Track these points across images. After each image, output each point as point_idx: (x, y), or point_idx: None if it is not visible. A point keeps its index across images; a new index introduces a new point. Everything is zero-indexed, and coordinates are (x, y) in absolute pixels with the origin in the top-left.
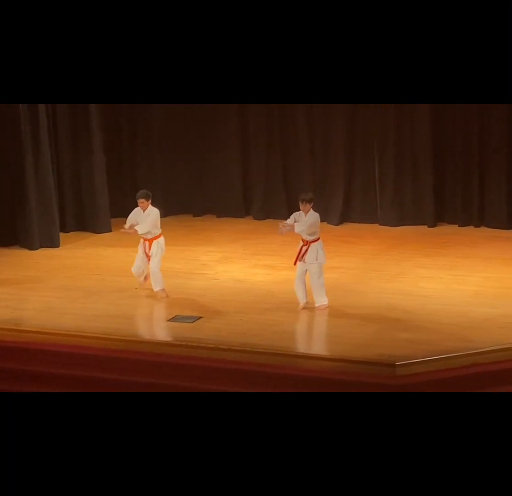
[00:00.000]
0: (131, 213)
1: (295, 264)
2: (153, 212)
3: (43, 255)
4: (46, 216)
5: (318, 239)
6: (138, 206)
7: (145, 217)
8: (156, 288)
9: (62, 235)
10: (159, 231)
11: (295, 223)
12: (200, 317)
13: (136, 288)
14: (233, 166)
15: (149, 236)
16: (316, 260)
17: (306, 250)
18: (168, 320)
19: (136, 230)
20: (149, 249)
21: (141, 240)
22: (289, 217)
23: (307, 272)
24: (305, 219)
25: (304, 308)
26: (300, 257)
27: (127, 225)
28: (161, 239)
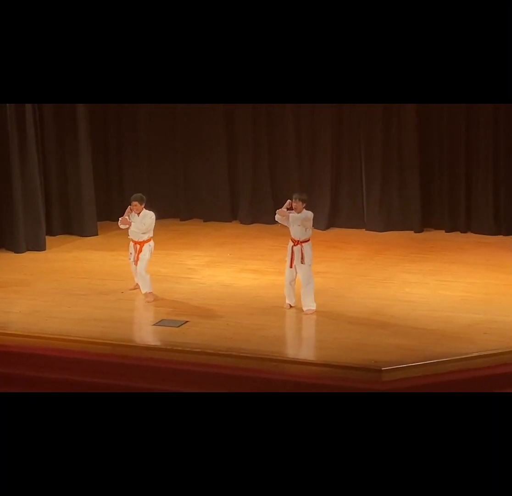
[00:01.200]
0: (125, 214)
1: (291, 266)
2: (149, 215)
3: (29, 258)
4: (33, 219)
5: (308, 240)
6: (127, 208)
7: (141, 219)
8: (144, 290)
9: (48, 238)
10: (151, 234)
11: (290, 214)
12: (186, 321)
13: (122, 292)
14: (220, 170)
15: (141, 239)
16: (304, 262)
17: (300, 250)
18: (154, 324)
19: (131, 224)
20: (140, 252)
21: (131, 243)
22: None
23: (297, 274)
24: (300, 214)
25: (290, 308)
26: (293, 258)
27: (125, 216)
28: (152, 243)
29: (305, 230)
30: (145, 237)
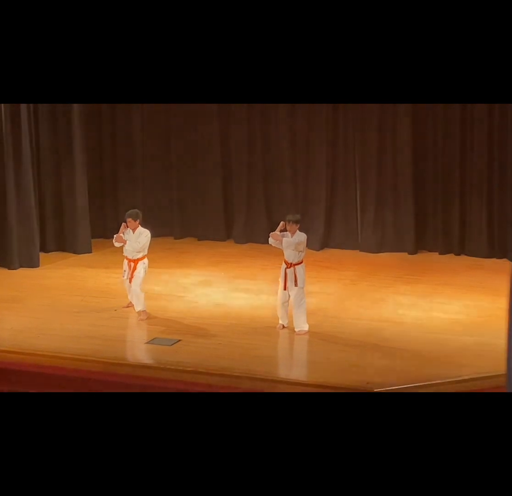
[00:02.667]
0: (120, 231)
1: (285, 289)
2: (145, 234)
3: (22, 274)
4: (26, 236)
5: (301, 262)
6: (122, 225)
7: (136, 237)
8: (138, 308)
9: (42, 255)
10: (146, 252)
11: (284, 238)
12: (179, 340)
13: (115, 310)
14: (214, 189)
15: (135, 257)
16: (297, 285)
17: (293, 273)
18: (147, 342)
19: (125, 242)
20: (134, 270)
21: (125, 261)
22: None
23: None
24: (293, 238)
25: (283, 328)
26: (287, 280)
27: (120, 234)
28: (146, 260)
29: (298, 253)
30: (139, 255)
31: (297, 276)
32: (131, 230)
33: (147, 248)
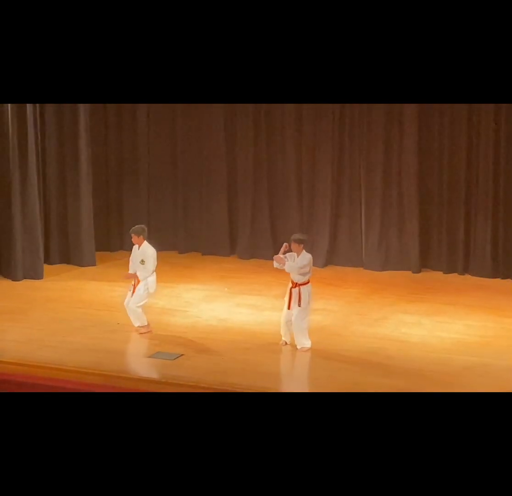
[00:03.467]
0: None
1: (289, 308)
2: (148, 253)
3: (26, 286)
4: (31, 248)
5: (307, 282)
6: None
7: (139, 256)
8: (135, 324)
9: (46, 267)
10: (148, 274)
11: (287, 262)
12: (181, 355)
13: (118, 323)
14: (219, 205)
15: (141, 277)
16: (301, 305)
17: (297, 293)
18: (149, 356)
19: (137, 276)
20: (136, 286)
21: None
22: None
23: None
24: (297, 260)
25: (286, 345)
26: (291, 300)
27: (130, 271)
28: (151, 277)
29: (304, 275)
30: (142, 276)
31: (301, 296)
32: (137, 246)
33: (152, 267)
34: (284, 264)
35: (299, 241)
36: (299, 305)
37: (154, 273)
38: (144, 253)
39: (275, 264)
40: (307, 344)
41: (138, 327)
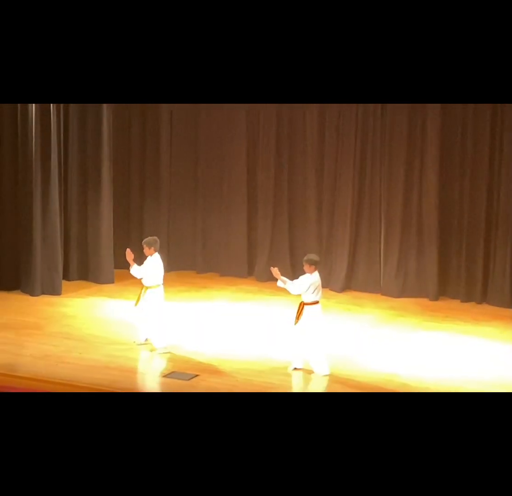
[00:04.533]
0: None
1: (295, 324)
2: (148, 260)
3: (44, 301)
4: (50, 263)
5: (313, 303)
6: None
7: (145, 264)
8: (157, 345)
9: (64, 283)
10: (154, 282)
11: (287, 284)
12: (197, 375)
13: (134, 341)
14: (239, 226)
15: (146, 284)
16: (309, 326)
17: (301, 311)
18: (164, 376)
19: (130, 266)
20: (146, 296)
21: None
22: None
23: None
24: (297, 280)
25: (295, 370)
26: (297, 317)
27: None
28: (157, 290)
29: (311, 294)
30: (148, 283)
31: (304, 316)
32: (149, 257)
33: (152, 275)
34: (284, 283)
35: (307, 262)
36: (307, 326)
37: (160, 287)
38: (148, 261)
39: (279, 283)
40: (323, 371)
41: (159, 348)
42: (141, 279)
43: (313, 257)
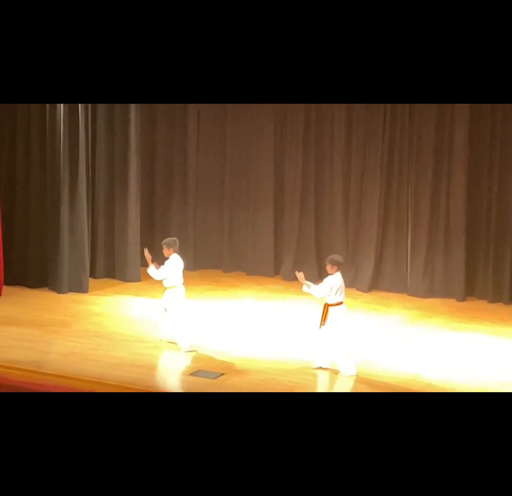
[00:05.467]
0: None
1: (320, 327)
2: (167, 261)
3: (71, 299)
4: (77, 261)
5: (337, 304)
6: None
7: (165, 264)
8: (182, 346)
9: (91, 281)
10: (172, 282)
11: (311, 288)
12: (222, 374)
13: (160, 339)
14: (266, 226)
15: (165, 285)
16: (332, 326)
17: (326, 313)
18: (190, 374)
19: (149, 265)
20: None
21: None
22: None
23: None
24: (321, 283)
25: (319, 369)
26: (323, 319)
27: (149, 258)
28: (176, 290)
29: (334, 295)
30: (167, 284)
31: (328, 317)
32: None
33: (172, 275)
34: (309, 287)
35: (329, 262)
36: (331, 326)
37: (179, 287)
38: (167, 261)
39: (304, 288)
40: (349, 371)
41: (184, 349)
42: (161, 279)
43: (336, 257)
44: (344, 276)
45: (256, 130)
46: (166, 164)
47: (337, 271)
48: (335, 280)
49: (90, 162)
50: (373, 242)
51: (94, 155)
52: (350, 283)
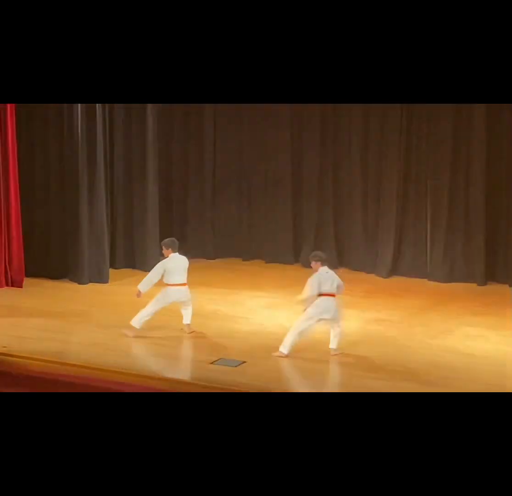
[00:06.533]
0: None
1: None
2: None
3: (91, 289)
4: (97, 252)
5: (327, 294)
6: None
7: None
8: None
9: (111, 271)
10: (174, 280)
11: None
12: (244, 362)
13: (181, 329)
14: (284, 213)
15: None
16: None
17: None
18: (211, 363)
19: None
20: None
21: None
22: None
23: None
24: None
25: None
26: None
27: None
28: (166, 289)
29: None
30: (168, 281)
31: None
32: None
33: (173, 273)
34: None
35: (314, 258)
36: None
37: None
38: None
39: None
40: (283, 349)
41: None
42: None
43: (318, 252)
44: (364, 261)
45: (273, 118)
46: (183, 155)
47: (320, 266)
48: (318, 275)
49: (108, 154)
50: (392, 228)
51: (113, 146)
52: (370, 269)
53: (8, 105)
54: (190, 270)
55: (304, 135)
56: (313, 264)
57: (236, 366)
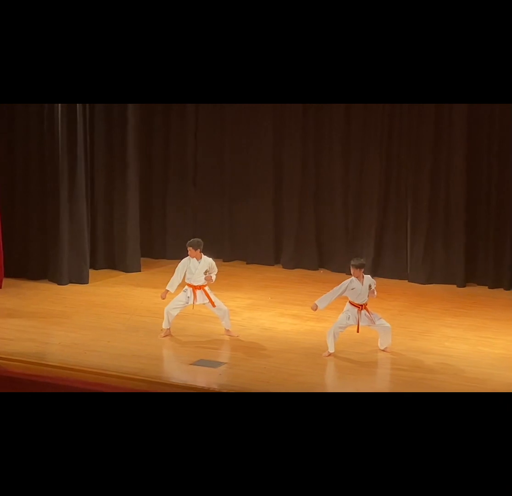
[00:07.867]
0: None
1: (358, 331)
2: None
3: (71, 290)
4: (77, 252)
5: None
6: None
7: (203, 266)
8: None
9: (91, 272)
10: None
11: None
12: (224, 363)
13: (161, 329)
14: (265, 214)
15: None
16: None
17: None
18: (192, 364)
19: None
20: (208, 295)
21: (188, 289)
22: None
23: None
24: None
25: (328, 356)
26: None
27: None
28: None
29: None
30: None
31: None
32: (195, 259)
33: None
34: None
35: (354, 267)
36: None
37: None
38: (208, 263)
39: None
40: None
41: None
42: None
43: (359, 260)
44: (344, 263)
45: (254, 118)
46: (164, 156)
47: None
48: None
49: (88, 153)
50: (372, 230)
51: (93, 146)
52: (350, 270)
53: None
54: (168, 272)
55: (285, 136)
56: (356, 272)
57: (216, 367)
